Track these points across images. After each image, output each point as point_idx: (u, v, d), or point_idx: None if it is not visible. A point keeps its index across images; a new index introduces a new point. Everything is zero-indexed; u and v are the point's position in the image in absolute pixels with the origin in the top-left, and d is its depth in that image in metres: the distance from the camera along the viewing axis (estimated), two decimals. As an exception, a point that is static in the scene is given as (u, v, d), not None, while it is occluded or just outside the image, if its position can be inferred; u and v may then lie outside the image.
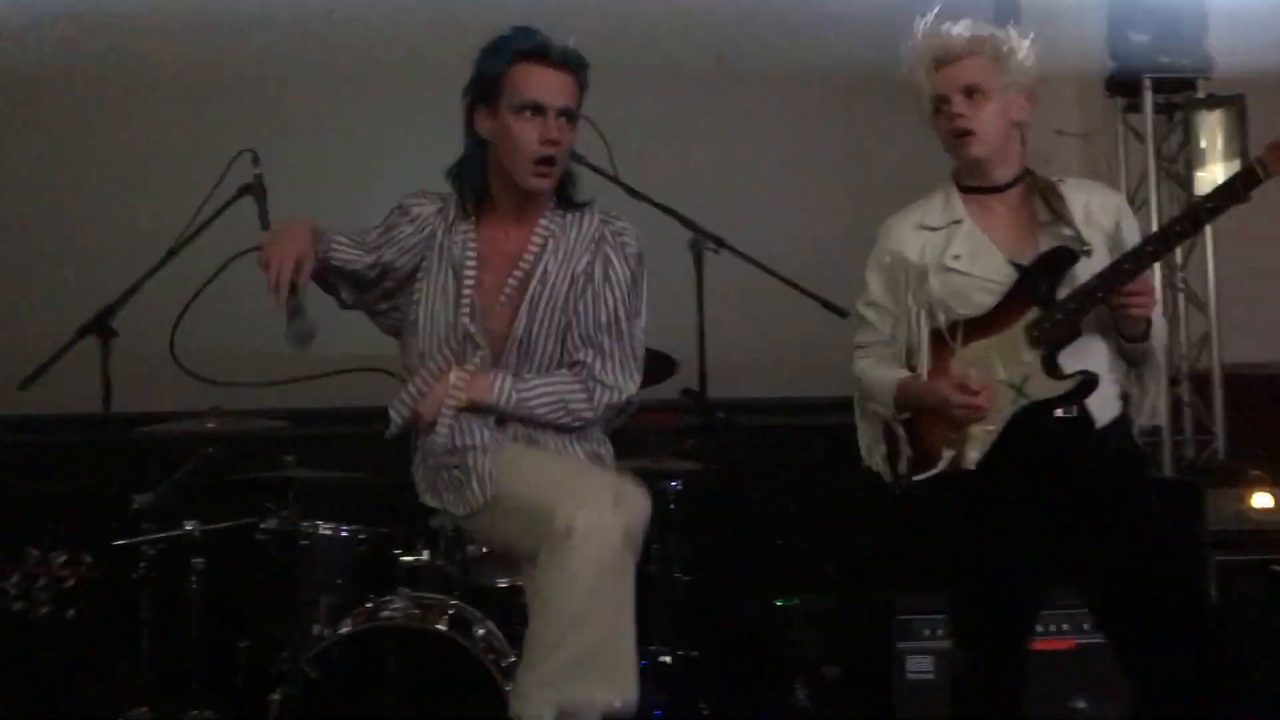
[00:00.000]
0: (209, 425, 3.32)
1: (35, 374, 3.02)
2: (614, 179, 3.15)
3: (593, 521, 2.08)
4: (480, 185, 2.38)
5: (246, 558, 3.33)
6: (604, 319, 2.36)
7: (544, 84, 2.28)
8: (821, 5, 4.34)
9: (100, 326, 3.05)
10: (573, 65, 2.34)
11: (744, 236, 3.28)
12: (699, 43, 4.31)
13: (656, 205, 3.14)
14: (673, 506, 3.67)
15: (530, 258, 2.36)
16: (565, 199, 2.42)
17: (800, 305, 3.32)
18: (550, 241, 2.37)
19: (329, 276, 2.36)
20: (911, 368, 2.43)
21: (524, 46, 2.31)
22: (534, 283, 2.35)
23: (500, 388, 2.31)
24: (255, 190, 3.19)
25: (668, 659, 3.60)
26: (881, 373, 2.47)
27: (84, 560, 1.98)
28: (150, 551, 3.29)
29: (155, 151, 4.05)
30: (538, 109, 2.29)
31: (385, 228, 2.41)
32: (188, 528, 3.27)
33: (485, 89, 2.32)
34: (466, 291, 2.34)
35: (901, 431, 2.44)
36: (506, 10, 4.13)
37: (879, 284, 2.53)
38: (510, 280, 2.35)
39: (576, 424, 2.36)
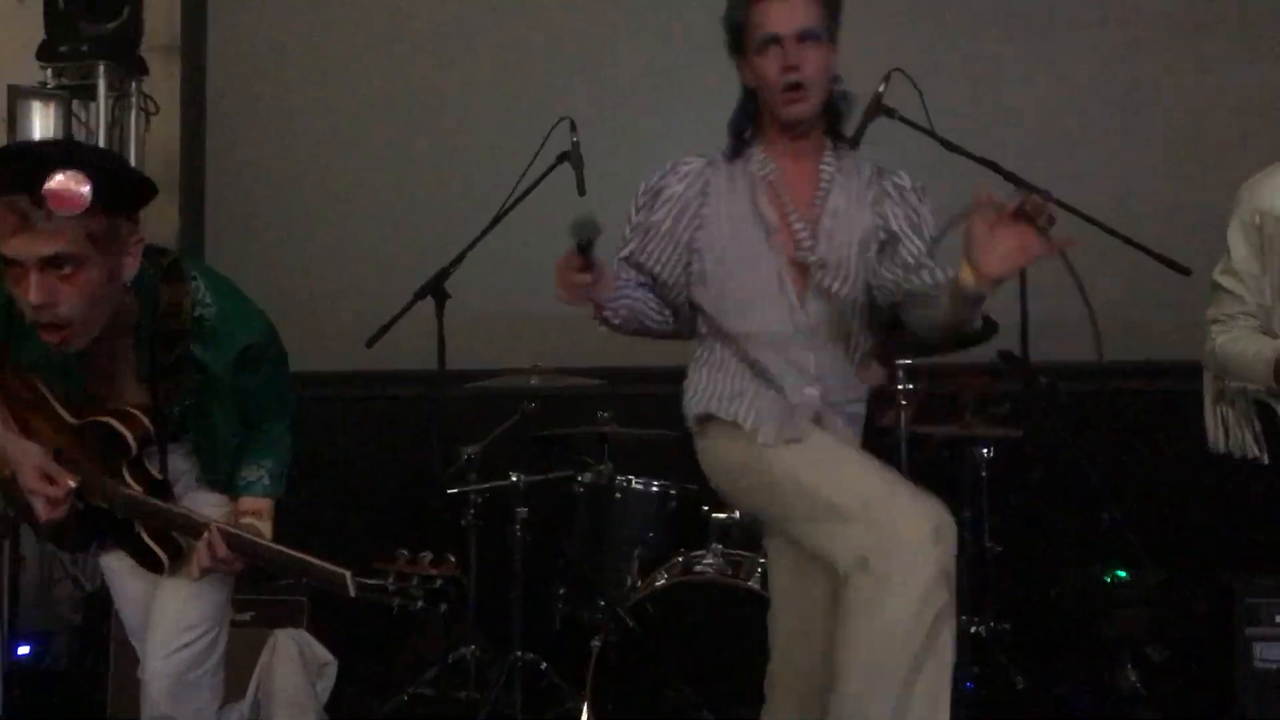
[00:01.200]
0: (532, 382, 3.49)
1: (378, 334, 3.27)
2: (929, 132, 3.03)
3: (913, 563, 1.91)
4: (756, 132, 2.35)
5: (564, 509, 3.48)
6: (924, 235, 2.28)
7: (775, 14, 2.24)
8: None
9: (435, 289, 3.27)
10: None
11: (1069, 188, 3.05)
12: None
13: (975, 159, 2.98)
14: (984, 474, 3.56)
15: (822, 194, 2.29)
16: (838, 135, 2.35)
17: (1130, 262, 3.09)
18: (837, 178, 2.31)
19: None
20: None
21: None
22: (825, 217, 2.28)
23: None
24: (573, 157, 3.31)
25: (980, 629, 3.50)
26: (1253, 344, 2.27)
27: (448, 559, 2.14)
28: (478, 500, 3.51)
29: (478, 121, 4.27)
30: (774, 40, 2.24)
31: (639, 236, 2.34)
32: (513, 478, 3.46)
33: (735, 41, 2.30)
34: (796, 226, 2.27)
35: (1282, 408, 2.23)
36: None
37: (1243, 248, 2.35)
38: (811, 214, 2.28)
39: None
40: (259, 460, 2.33)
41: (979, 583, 3.56)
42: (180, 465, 2.36)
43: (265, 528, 2.29)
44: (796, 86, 2.22)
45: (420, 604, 2.11)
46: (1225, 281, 2.39)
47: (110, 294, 2.09)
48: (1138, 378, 3.84)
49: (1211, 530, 3.67)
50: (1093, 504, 3.79)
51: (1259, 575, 3.12)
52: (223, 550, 2.21)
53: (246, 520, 2.28)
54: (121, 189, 2.08)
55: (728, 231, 2.29)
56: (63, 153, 2.06)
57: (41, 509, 2.26)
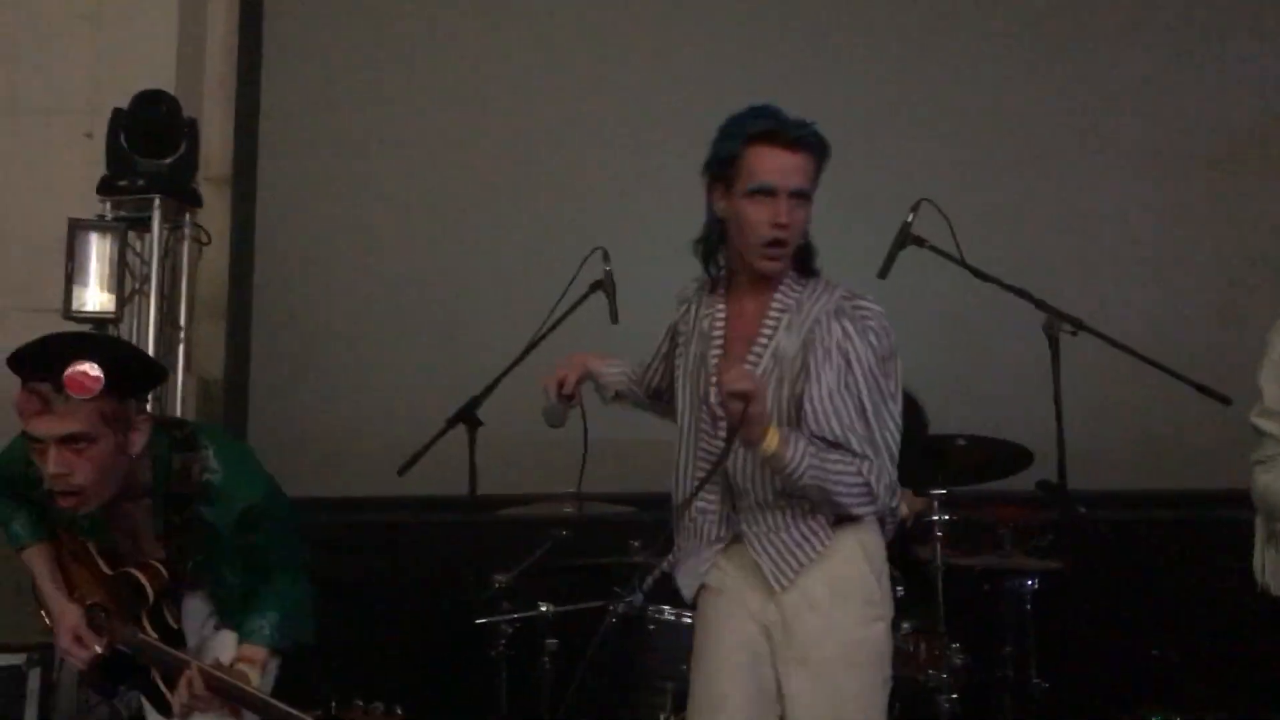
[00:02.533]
0: (565, 510, 3.47)
1: (411, 461, 3.28)
2: (960, 261, 3.06)
3: None
4: (719, 260, 2.41)
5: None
6: (850, 404, 2.22)
7: (776, 167, 2.27)
8: (1189, 58, 4.07)
9: (468, 417, 3.29)
10: (808, 145, 2.29)
11: (1102, 315, 3.07)
12: (1045, 107, 4.13)
13: (1006, 287, 3.01)
14: (1028, 607, 3.46)
15: (767, 333, 2.32)
16: (804, 269, 2.37)
17: (1168, 389, 3.06)
18: (785, 316, 2.32)
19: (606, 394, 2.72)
20: None
21: (757, 129, 2.28)
22: (767, 357, 2.30)
23: (796, 451, 2.17)
24: (606, 286, 3.36)
25: (1026, 772, 3.36)
26: None
27: (396, 712, 2.30)
28: (508, 630, 3.46)
29: (513, 250, 4.36)
30: (769, 192, 2.27)
31: (658, 352, 2.60)
32: (542, 609, 3.41)
33: (721, 170, 2.33)
34: (712, 364, 2.36)
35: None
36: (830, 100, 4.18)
37: (1275, 390, 2.34)
38: (750, 356, 2.31)
39: (866, 507, 2.24)
40: (264, 612, 2.54)
41: (1024, 721, 3.43)
42: (202, 610, 2.61)
43: (254, 674, 2.47)
44: (779, 243, 2.27)
45: None
46: (1261, 424, 2.42)
47: (119, 465, 2.38)
48: (1181, 507, 3.75)
49: (1268, 670, 3.53)
50: (1142, 640, 3.67)
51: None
52: (200, 689, 2.40)
53: (240, 666, 2.47)
54: (130, 376, 2.39)
55: (683, 366, 2.43)
56: (83, 346, 2.39)
57: (71, 661, 2.59)
